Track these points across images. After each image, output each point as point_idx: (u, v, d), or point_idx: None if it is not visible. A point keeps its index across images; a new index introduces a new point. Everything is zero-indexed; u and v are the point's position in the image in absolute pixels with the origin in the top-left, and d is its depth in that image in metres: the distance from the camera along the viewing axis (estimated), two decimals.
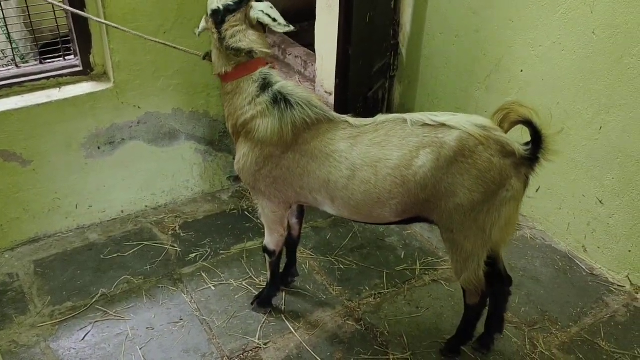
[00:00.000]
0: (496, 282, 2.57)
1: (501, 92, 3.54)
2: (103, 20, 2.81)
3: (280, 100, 2.33)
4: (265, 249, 2.80)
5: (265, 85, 2.36)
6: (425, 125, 2.24)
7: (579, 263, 3.35)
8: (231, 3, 2.28)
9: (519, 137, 2.32)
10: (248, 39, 2.32)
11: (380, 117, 2.34)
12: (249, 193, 3.81)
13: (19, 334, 2.78)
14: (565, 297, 3.12)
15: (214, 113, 3.59)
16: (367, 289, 3.13)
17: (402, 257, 3.36)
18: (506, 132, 2.26)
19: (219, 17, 2.30)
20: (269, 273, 2.90)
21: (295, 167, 2.38)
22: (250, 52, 2.33)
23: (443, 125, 2.22)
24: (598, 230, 3.27)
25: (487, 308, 2.68)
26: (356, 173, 2.29)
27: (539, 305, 3.06)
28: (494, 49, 3.51)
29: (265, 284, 3.01)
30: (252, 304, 2.99)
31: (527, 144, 2.24)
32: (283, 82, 2.39)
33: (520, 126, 2.27)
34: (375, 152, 2.27)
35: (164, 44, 2.64)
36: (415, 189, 2.25)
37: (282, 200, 2.55)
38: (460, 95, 3.83)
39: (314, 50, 4.86)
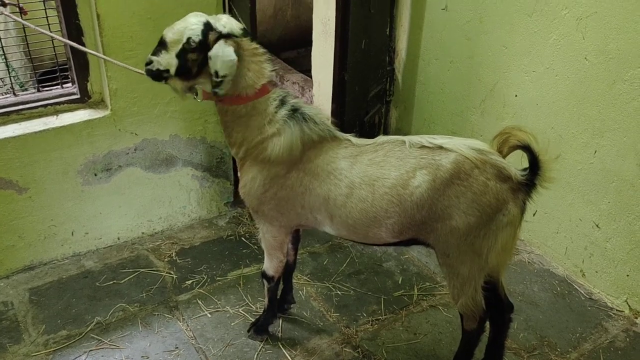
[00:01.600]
0: (496, 308, 2.55)
1: (496, 117, 3.56)
2: (99, 54, 2.83)
3: (296, 115, 2.36)
4: (264, 275, 2.79)
5: (282, 102, 2.39)
6: (423, 147, 2.27)
7: (577, 287, 3.33)
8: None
9: (518, 163, 2.33)
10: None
11: (381, 138, 2.37)
12: (248, 219, 3.81)
13: None
14: (564, 322, 3.10)
15: (211, 139, 3.60)
16: (365, 315, 3.11)
17: (400, 282, 3.34)
18: (505, 156, 2.27)
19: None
20: (266, 299, 2.88)
21: (298, 185, 2.40)
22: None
23: (440, 147, 2.24)
24: (595, 254, 3.26)
25: (486, 334, 2.66)
26: (354, 191, 2.30)
27: (537, 331, 3.03)
28: (489, 74, 3.54)
29: (262, 311, 2.99)
30: (248, 331, 2.96)
31: (524, 169, 2.25)
32: (296, 99, 2.43)
33: (520, 152, 2.28)
34: (374, 171, 2.29)
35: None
36: (412, 209, 2.26)
37: (284, 224, 2.56)
38: (456, 120, 3.85)
39: (311, 77, 4.90)
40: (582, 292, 3.31)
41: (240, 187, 2.56)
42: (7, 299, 3.13)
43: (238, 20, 2.31)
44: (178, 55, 2.22)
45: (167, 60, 2.25)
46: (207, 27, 2.20)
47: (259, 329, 2.94)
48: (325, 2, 4.11)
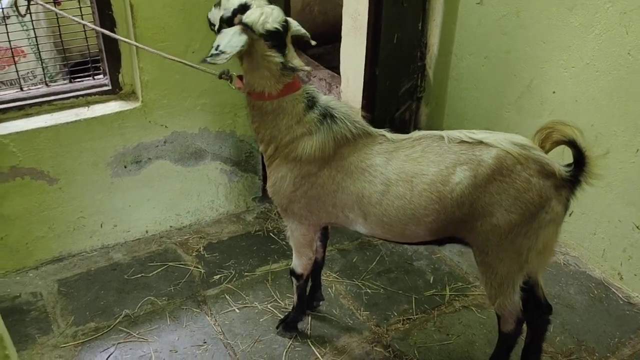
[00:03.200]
0: (535, 309, 2.46)
1: (532, 114, 3.47)
2: (131, 41, 2.81)
3: (327, 116, 2.30)
4: (292, 273, 2.74)
5: (311, 102, 2.32)
6: (462, 142, 2.19)
7: (614, 291, 3.23)
8: (284, 23, 2.20)
9: (558, 159, 2.25)
10: (296, 58, 2.29)
11: (417, 133, 2.30)
12: (275, 214, 3.77)
13: (42, 354, 2.74)
14: (602, 326, 3.00)
15: (240, 133, 3.56)
16: (395, 314, 3.04)
17: (431, 281, 3.27)
18: (547, 152, 2.19)
19: (278, 38, 2.20)
20: (295, 297, 2.83)
21: (330, 183, 2.33)
22: (296, 70, 2.28)
23: (481, 142, 2.17)
24: (635, 257, 3.15)
25: (522, 337, 2.58)
26: (390, 188, 2.23)
27: (574, 335, 2.94)
28: (525, 70, 3.45)
29: (290, 308, 2.94)
30: (277, 327, 2.92)
31: (568, 165, 2.16)
32: (326, 98, 2.36)
33: (560, 148, 2.20)
34: (411, 167, 2.22)
35: (182, 62, 2.57)
36: (452, 206, 2.19)
37: (313, 222, 2.50)
38: (490, 117, 3.76)
39: (337, 73, 4.84)
40: (620, 295, 3.20)
41: (268, 185, 2.50)
42: (36, 289, 3.13)
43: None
44: (221, 18, 2.23)
45: (215, 17, 2.27)
46: (240, 9, 2.17)
47: (288, 325, 2.90)
48: None
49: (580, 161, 2.13)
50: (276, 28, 2.16)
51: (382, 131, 2.36)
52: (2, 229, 3.10)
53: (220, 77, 2.42)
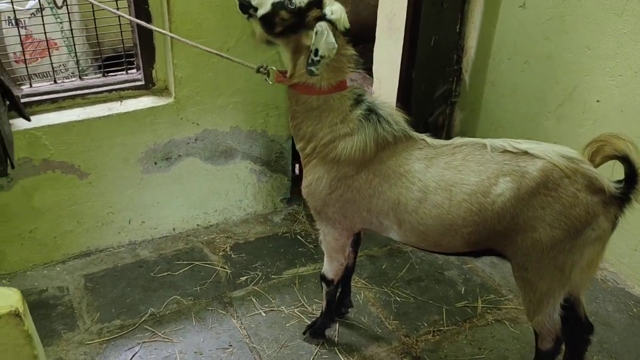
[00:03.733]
0: (575, 328, 2.36)
1: (574, 123, 3.34)
2: (168, 33, 2.76)
3: (372, 114, 2.23)
4: (323, 278, 2.67)
5: (359, 100, 2.26)
6: (506, 151, 2.10)
7: None
8: None
9: (608, 175, 2.14)
10: None
11: (458, 140, 2.22)
12: (304, 216, 3.71)
13: (67, 351, 2.72)
14: None
15: (271, 133, 3.51)
16: (426, 324, 2.95)
17: (463, 292, 3.17)
18: (597, 166, 2.08)
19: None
20: (324, 302, 2.76)
21: (366, 187, 2.26)
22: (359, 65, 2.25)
23: (526, 153, 2.07)
24: None
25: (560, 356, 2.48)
26: (428, 196, 2.15)
27: (612, 354, 2.82)
28: (568, 77, 3.32)
29: (318, 313, 2.88)
30: (304, 333, 2.85)
31: (619, 181, 2.06)
32: (372, 98, 2.30)
33: (610, 163, 2.10)
34: (451, 175, 2.13)
35: (219, 55, 2.50)
36: (492, 219, 2.10)
37: (347, 227, 2.43)
38: (528, 125, 3.64)
39: (369, 74, 4.76)
40: None
41: (303, 186, 2.43)
42: (63, 284, 3.12)
43: None
44: (273, 4, 2.08)
45: (262, 0, 2.11)
46: (316, 3, 2.08)
47: (316, 332, 2.83)
48: None
49: (632, 178, 2.03)
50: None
51: (423, 136, 2.29)
52: (31, 222, 3.09)
53: (258, 71, 2.36)
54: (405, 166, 2.21)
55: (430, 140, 2.26)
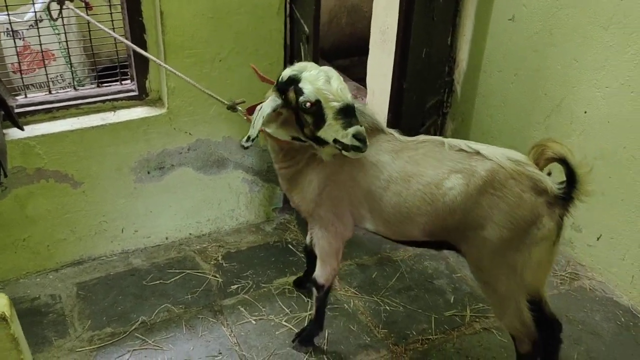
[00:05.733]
0: (545, 328, 2.45)
1: (562, 134, 3.38)
2: (162, 63, 2.82)
3: None
4: (314, 283, 2.71)
5: None
6: (461, 150, 2.26)
7: None
8: None
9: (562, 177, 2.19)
10: None
11: (421, 137, 2.40)
12: (295, 226, 3.74)
13: (57, 357, 2.74)
14: (629, 355, 2.89)
15: (263, 143, 3.52)
16: (414, 333, 2.97)
17: (452, 301, 3.19)
18: (541, 169, 2.21)
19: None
20: (314, 309, 2.79)
21: (347, 179, 2.42)
22: None
23: (478, 153, 2.23)
24: None
25: None
26: (391, 185, 2.32)
27: None
28: (556, 89, 3.37)
29: (307, 323, 2.90)
30: (293, 341, 2.87)
31: (561, 182, 2.17)
32: None
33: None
34: (411, 167, 2.31)
35: (199, 89, 2.72)
36: (443, 211, 2.24)
37: (340, 229, 2.54)
38: (517, 136, 3.69)
39: (363, 85, 4.82)
40: None
41: (297, 199, 2.58)
42: (55, 292, 3.14)
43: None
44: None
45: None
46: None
47: (304, 339, 2.85)
48: (385, 9, 4.03)
49: (572, 178, 2.14)
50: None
51: (392, 131, 2.46)
52: (25, 230, 3.12)
53: (228, 108, 2.65)
54: (376, 156, 2.37)
55: (398, 135, 2.44)
